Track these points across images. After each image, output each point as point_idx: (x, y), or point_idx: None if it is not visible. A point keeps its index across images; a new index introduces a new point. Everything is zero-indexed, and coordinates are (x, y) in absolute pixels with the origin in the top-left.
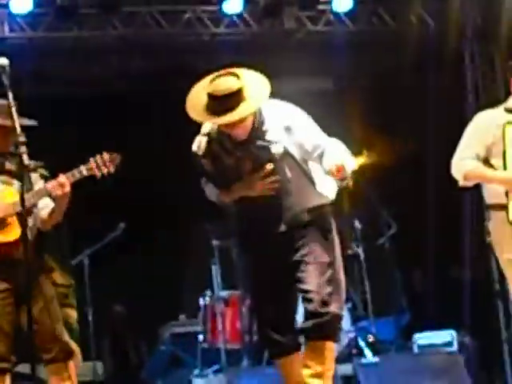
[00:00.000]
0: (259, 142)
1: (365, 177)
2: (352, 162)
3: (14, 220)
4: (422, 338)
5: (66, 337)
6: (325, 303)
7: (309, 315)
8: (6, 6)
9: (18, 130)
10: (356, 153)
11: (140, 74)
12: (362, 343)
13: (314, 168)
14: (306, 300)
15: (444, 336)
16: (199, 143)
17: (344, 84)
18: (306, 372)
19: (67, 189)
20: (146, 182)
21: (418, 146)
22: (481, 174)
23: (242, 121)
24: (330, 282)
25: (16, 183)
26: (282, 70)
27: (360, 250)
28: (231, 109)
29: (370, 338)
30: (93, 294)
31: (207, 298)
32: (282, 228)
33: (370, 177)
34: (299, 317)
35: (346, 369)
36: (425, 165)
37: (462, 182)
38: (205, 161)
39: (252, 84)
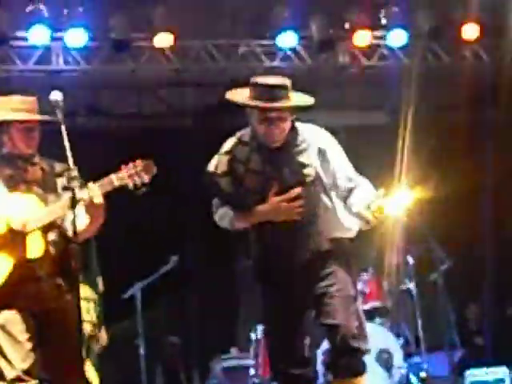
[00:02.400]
0: (291, 160)
1: (418, 211)
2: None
3: (39, 234)
4: (475, 375)
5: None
6: (354, 338)
7: (338, 351)
8: (61, 39)
9: (71, 163)
10: (410, 186)
11: (193, 109)
12: (413, 379)
13: (336, 200)
14: (334, 335)
15: (497, 373)
16: (218, 162)
17: (397, 118)
18: None
19: (98, 200)
20: (199, 215)
21: (474, 180)
22: None
23: (283, 118)
24: (357, 316)
25: (37, 191)
26: (336, 104)
27: (412, 286)
28: (279, 98)
29: (422, 374)
30: (145, 327)
31: (259, 332)
32: (305, 256)
33: (423, 211)
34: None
35: None
36: (481, 199)
37: None
38: (224, 180)
39: (297, 93)
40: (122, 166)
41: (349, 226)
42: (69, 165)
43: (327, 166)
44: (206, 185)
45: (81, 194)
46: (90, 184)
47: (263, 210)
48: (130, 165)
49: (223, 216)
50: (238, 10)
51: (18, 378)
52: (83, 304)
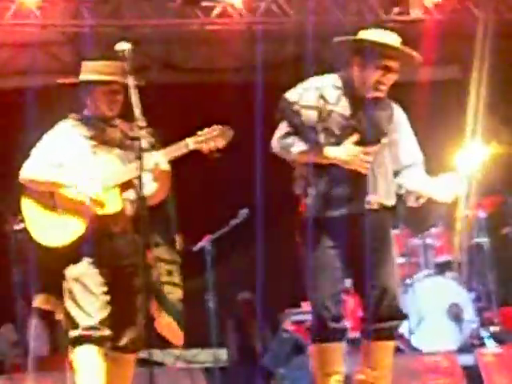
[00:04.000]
0: (378, 117)
1: (492, 166)
2: None
3: (116, 192)
4: None
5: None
6: (399, 305)
7: (385, 314)
8: None
9: (138, 115)
10: (485, 142)
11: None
12: (484, 334)
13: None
14: (384, 298)
15: None
16: (302, 93)
17: (471, 73)
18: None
19: (164, 167)
20: (268, 168)
21: None
22: None
23: (395, 70)
24: (399, 284)
25: (117, 152)
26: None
27: (485, 240)
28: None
29: (494, 329)
30: (216, 282)
31: None
32: (360, 209)
33: (497, 166)
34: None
35: (468, 359)
36: None
37: None
38: (306, 112)
39: None
40: (198, 131)
41: (393, 196)
42: (140, 123)
43: (396, 137)
44: (283, 111)
45: (148, 160)
46: (156, 152)
47: (338, 153)
48: (207, 129)
49: (290, 144)
50: None
51: (93, 327)
52: (167, 267)
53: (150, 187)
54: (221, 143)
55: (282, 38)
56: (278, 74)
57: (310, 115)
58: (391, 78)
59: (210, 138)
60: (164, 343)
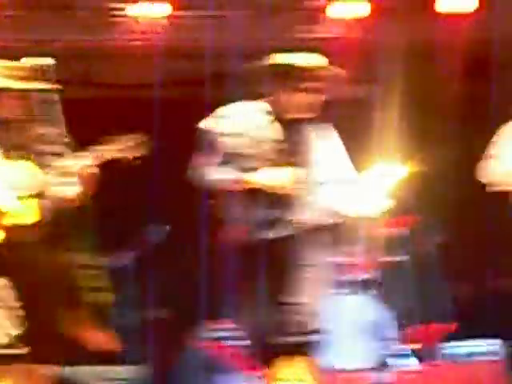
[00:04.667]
0: (305, 137)
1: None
2: None
3: (32, 199)
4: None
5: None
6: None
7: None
8: None
9: (63, 128)
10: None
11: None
12: (405, 351)
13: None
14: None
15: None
16: (225, 122)
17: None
18: None
19: (94, 170)
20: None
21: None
22: None
23: (321, 90)
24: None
25: (31, 157)
26: None
27: (404, 258)
28: None
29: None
30: (136, 297)
31: None
32: (292, 230)
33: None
34: None
35: (386, 377)
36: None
37: None
38: (236, 140)
39: None
40: (116, 138)
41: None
42: (61, 130)
43: (324, 156)
44: (207, 141)
45: (74, 162)
46: (83, 153)
47: (269, 177)
48: (125, 137)
49: (222, 173)
50: None
51: (10, 344)
52: (91, 272)
53: (72, 189)
54: (139, 152)
55: (202, 54)
56: (199, 90)
57: (237, 142)
58: (318, 99)
59: (128, 146)
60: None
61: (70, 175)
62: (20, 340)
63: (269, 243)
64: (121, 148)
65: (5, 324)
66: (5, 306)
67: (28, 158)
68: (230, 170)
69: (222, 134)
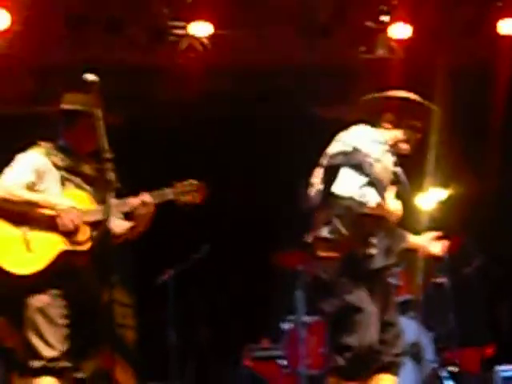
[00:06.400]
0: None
1: (451, 207)
2: None
3: (85, 229)
4: (505, 370)
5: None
6: None
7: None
8: None
9: (105, 147)
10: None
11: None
12: (443, 374)
13: None
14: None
15: None
16: (371, 147)
17: None
18: None
19: (151, 209)
20: (232, 204)
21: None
22: None
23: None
24: None
25: (88, 189)
26: None
27: (446, 280)
28: None
29: (453, 369)
30: (176, 317)
31: (290, 323)
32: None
33: (455, 207)
34: None
35: None
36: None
37: None
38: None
39: None
40: (177, 183)
41: None
42: (107, 155)
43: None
44: (357, 161)
45: (133, 200)
46: (145, 193)
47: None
48: (185, 182)
49: (373, 195)
50: None
51: (55, 359)
52: (122, 310)
53: (121, 226)
54: (198, 199)
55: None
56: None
57: (377, 167)
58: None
59: (188, 192)
60: None
61: (124, 210)
62: (65, 355)
63: (381, 269)
64: (181, 191)
65: (52, 339)
66: (53, 322)
67: (85, 188)
68: (374, 193)
69: (373, 157)
